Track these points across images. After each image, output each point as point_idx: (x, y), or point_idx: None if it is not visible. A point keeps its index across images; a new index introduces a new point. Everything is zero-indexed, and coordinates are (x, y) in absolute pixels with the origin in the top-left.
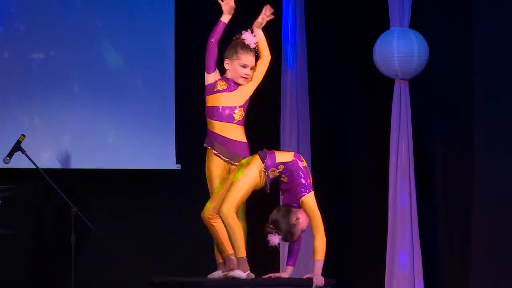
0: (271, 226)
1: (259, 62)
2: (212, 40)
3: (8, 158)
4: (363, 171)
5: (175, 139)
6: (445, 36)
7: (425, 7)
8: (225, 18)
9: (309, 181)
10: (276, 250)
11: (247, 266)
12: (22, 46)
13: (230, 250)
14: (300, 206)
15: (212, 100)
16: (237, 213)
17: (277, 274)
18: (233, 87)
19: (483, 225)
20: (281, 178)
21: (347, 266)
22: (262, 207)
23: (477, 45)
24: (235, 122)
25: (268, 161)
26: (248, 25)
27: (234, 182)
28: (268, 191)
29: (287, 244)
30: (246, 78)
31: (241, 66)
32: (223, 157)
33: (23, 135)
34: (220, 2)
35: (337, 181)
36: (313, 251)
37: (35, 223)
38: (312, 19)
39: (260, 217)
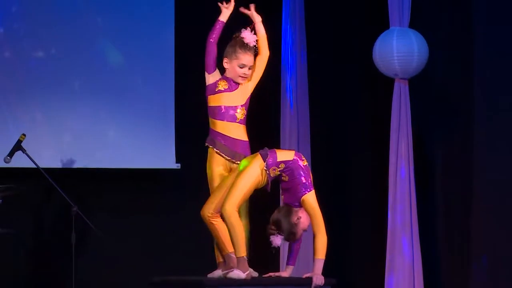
0: (272, 227)
1: (258, 58)
2: (211, 40)
3: (8, 157)
4: (363, 171)
5: (175, 139)
6: (445, 36)
7: (425, 7)
8: (224, 17)
9: (309, 180)
10: (276, 249)
11: (247, 266)
12: (23, 46)
13: (230, 248)
14: (301, 205)
15: (214, 100)
16: (239, 211)
17: (277, 274)
18: (234, 86)
19: (483, 225)
20: (282, 177)
21: (347, 265)
22: (262, 206)
23: (477, 45)
24: (237, 121)
25: (270, 160)
26: (248, 23)
27: (236, 181)
28: (269, 190)
29: (287, 243)
30: (244, 77)
31: (239, 66)
32: (224, 156)
33: (24, 135)
34: (222, 6)
35: (337, 181)
36: (313, 250)
37: (36, 223)
38: (312, 19)
39: (261, 217)
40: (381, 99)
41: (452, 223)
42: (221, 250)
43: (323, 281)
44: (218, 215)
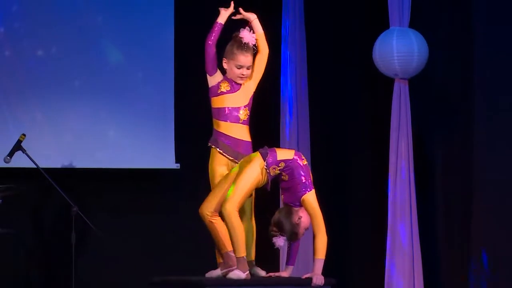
0: (274, 229)
1: (257, 57)
2: (209, 42)
3: (8, 157)
4: (363, 171)
5: (175, 139)
6: (445, 36)
7: (425, 7)
8: (222, 19)
9: (310, 179)
10: (276, 249)
11: (247, 266)
12: (23, 45)
13: (229, 247)
14: (301, 205)
15: (217, 102)
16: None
17: (277, 274)
18: (236, 87)
19: (483, 225)
20: (282, 177)
21: (347, 265)
22: (262, 207)
23: (477, 45)
24: (240, 122)
25: (269, 159)
26: (247, 23)
27: (236, 180)
28: (269, 190)
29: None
30: (243, 78)
31: (236, 66)
32: (227, 156)
33: (24, 135)
34: (222, 10)
35: (337, 181)
36: (314, 250)
37: (36, 223)
38: (312, 19)
39: (260, 217)
40: (381, 99)
41: (452, 223)
42: (220, 249)
43: (323, 281)
44: (217, 214)
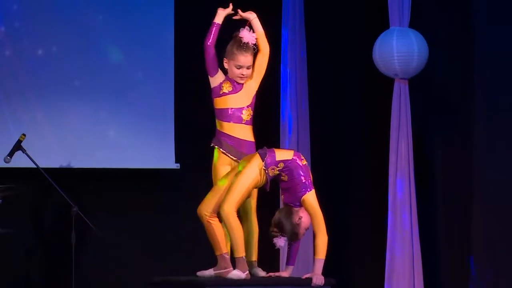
0: (275, 229)
1: (258, 56)
2: (208, 43)
3: (8, 157)
4: (363, 171)
5: (175, 139)
6: (445, 36)
7: (425, 7)
8: (219, 19)
9: (309, 179)
10: (276, 249)
11: (246, 266)
12: (24, 44)
13: (224, 249)
14: (301, 205)
15: (220, 103)
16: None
17: (277, 274)
18: (238, 87)
19: (483, 225)
20: (281, 177)
21: (347, 265)
22: (261, 207)
23: (477, 45)
24: (243, 122)
25: (268, 159)
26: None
27: (234, 181)
28: (268, 190)
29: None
30: (243, 77)
31: (236, 67)
32: (231, 156)
33: (24, 135)
34: (220, 10)
35: (337, 181)
36: (314, 250)
37: (36, 223)
38: (312, 19)
39: (260, 217)
40: (381, 99)
41: (452, 223)
42: (215, 250)
43: (323, 281)
44: (216, 215)
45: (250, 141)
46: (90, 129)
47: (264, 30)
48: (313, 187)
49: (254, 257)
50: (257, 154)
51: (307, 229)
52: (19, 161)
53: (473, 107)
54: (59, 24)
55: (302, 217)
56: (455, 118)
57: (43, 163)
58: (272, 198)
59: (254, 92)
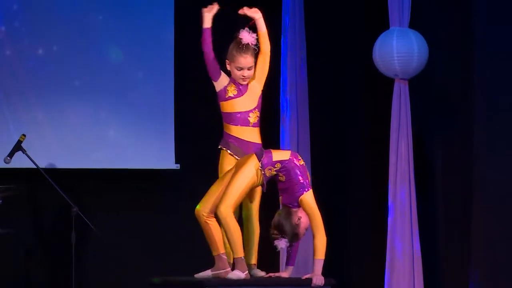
0: (275, 231)
1: (260, 57)
2: (205, 50)
3: (8, 158)
4: (363, 171)
5: (175, 139)
6: (445, 36)
7: (425, 7)
8: (207, 23)
9: (307, 179)
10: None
11: (245, 266)
12: (24, 44)
13: (221, 250)
14: (299, 205)
15: (226, 107)
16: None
17: (277, 274)
18: (243, 90)
19: (483, 225)
20: (279, 177)
21: (347, 266)
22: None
23: (477, 45)
24: (250, 125)
25: (265, 160)
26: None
27: (231, 181)
28: (265, 191)
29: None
30: (244, 79)
31: (236, 68)
32: (238, 158)
33: (24, 135)
34: (204, 11)
35: (337, 181)
36: (313, 250)
37: (36, 223)
38: (312, 19)
39: (260, 218)
40: (381, 99)
41: (452, 223)
42: (212, 250)
43: (323, 282)
44: (213, 215)
45: (257, 143)
46: (90, 129)
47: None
48: (310, 187)
49: (254, 260)
50: (254, 154)
51: (307, 229)
52: (19, 161)
53: (473, 107)
54: (59, 24)
55: (301, 217)
56: (455, 118)
57: (43, 163)
58: (272, 199)
59: (260, 93)
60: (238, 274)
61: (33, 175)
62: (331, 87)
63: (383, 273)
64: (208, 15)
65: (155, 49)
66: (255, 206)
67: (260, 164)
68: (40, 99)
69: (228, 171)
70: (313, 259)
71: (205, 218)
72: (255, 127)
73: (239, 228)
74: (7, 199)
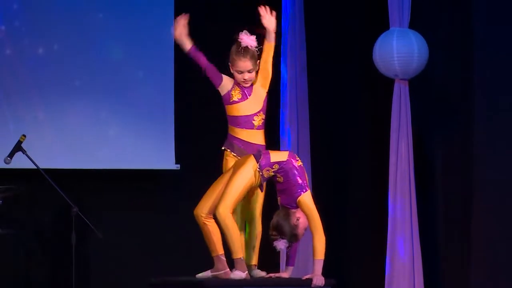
0: (274, 233)
1: (261, 64)
2: (201, 67)
3: (8, 158)
4: (363, 171)
5: (175, 139)
6: (445, 36)
7: (425, 7)
8: (187, 45)
9: (305, 180)
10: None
11: (245, 267)
12: (24, 43)
13: (220, 251)
14: (297, 206)
15: (231, 110)
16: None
17: (277, 274)
18: (248, 93)
19: (483, 225)
20: (277, 178)
21: (347, 266)
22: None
23: (477, 45)
24: (255, 128)
25: (263, 161)
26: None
27: (229, 182)
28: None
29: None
30: (246, 81)
31: (237, 72)
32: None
33: (24, 135)
34: (176, 36)
35: (337, 181)
36: (312, 251)
37: (36, 223)
38: (312, 19)
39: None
40: (381, 100)
41: (452, 223)
42: (211, 251)
43: (323, 282)
44: (212, 216)
45: (261, 145)
46: (90, 129)
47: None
48: (308, 187)
49: (255, 260)
50: (252, 155)
51: (306, 229)
52: (19, 161)
53: (473, 107)
54: (59, 24)
55: (300, 218)
56: (455, 118)
57: (43, 164)
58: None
59: (265, 96)
60: (239, 274)
61: (33, 175)
62: (331, 87)
63: (383, 273)
64: (181, 38)
65: (155, 49)
66: (258, 207)
67: (258, 165)
68: (41, 98)
69: (226, 172)
70: (313, 259)
71: (204, 219)
72: (259, 129)
73: (237, 229)
74: (7, 199)
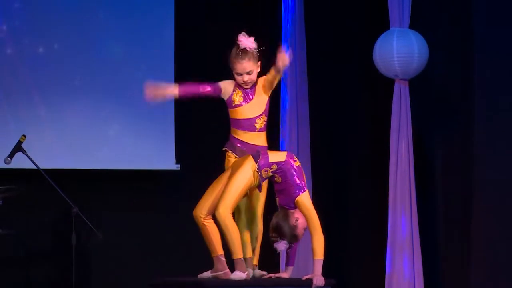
0: (273, 234)
1: (265, 82)
2: (198, 95)
3: (9, 158)
4: (363, 172)
5: (175, 140)
6: (445, 36)
7: (425, 7)
8: (172, 89)
9: (303, 181)
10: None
11: (245, 267)
12: (25, 43)
13: (219, 251)
14: (296, 206)
15: (233, 113)
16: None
17: (277, 274)
18: (250, 96)
19: (483, 225)
20: (275, 179)
21: (347, 266)
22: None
23: (477, 45)
24: (257, 130)
25: (261, 161)
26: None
27: (228, 183)
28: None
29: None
30: (246, 83)
31: (236, 74)
32: None
33: (24, 136)
34: (156, 98)
35: (337, 181)
36: (312, 251)
37: (36, 224)
38: (312, 19)
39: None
40: (381, 100)
41: (452, 223)
42: (211, 252)
43: (323, 282)
44: (211, 216)
45: (263, 146)
46: (90, 129)
47: (264, 31)
48: (306, 188)
49: (255, 261)
50: (250, 156)
51: (305, 229)
52: (19, 162)
53: (473, 107)
54: (60, 23)
55: (299, 218)
56: (455, 118)
57: (43, 164)
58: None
59: (267, 99)
60: (240, 274)
61: (33, 175)
62: (331, 87)
63: (383, 273)
64: (160, 95)
65: (155, 49)
66: (259, 207)
67: (257, 166)
68: (41, 98)
69: (224, 173)
70: (313, 259)
71: (203, 220)
72: (261, 131)
73: (237, 229)
74: (7, 199)
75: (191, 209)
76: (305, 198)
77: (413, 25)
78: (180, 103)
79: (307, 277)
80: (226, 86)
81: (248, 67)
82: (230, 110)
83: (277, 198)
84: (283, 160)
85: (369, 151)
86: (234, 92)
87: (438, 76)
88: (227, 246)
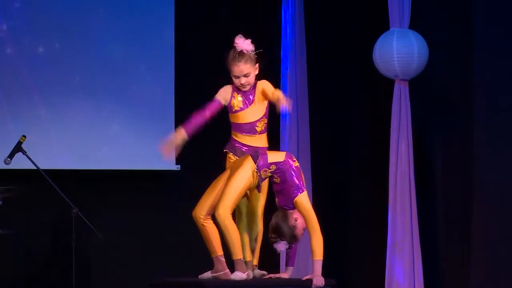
0: (273, 235)
1: (263, 97)
2: (205, 121)
3: (9, 159)
4: (363, 172)
5: None
6: (445, 36)
7: (425, 7)
8: (181, 133)
9: (301, 181)
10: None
11: (245, 267)
12: (25, 42)
13: (219, 252)
14: (294, 206)
15: (234, 118)
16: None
17: (277, 275)
18: (251, 100)
19: (483, 225)
20: (274, 179)
21: (347, 266)
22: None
23: (477, 45)
24: (257, 133)
25: (260, 161)
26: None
27: (228, 184)
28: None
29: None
30: (244, 85)
31: (233, 76)
32: None
33: (24, 136)
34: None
35: (337, 181)
36: (311, 252)
37: (36, 224)
38: (312, 19)
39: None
40: (381, 100)
41: (452, 223)
42: (211, 252)
43: (323, 282)
44: (210, 217)
45: (264, 147)
46: (91, 129)
47: (264, 31)
48: (305, 188)
49: (255, 261)
50: (249, 156)
51: (304, 229)
52: (19, 162)
53: (473, 107)
54: (60, 23)
55: (298, 219)
56: (455, 118)
57: (43, 164)
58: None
59: (267, 103)
60: (240, 275)
61: (33, 176)
62: (331, 87)
63: (383, 273)
64: (176, 145)
65: (155, 49)
66: (260, 208)
67: (256, 166)
68: (41, 98)
69: (223, 173)
70: (312, 260)
71: (202, 220)
72: (262, 133)
73: (237, 230)
74: (7, 200)
75: (191, 210)
76: (303, 199)
77: (413, 25)
78: (180, 103)
79: (307, 277)
80: (224, 95)
81: (245, 69)
82: (231, 115)
83: (276, 199)
84: (282, 160)
85: (369, 151)
86: (232, 97)
87: (438, 76)
88: (227, 246)
